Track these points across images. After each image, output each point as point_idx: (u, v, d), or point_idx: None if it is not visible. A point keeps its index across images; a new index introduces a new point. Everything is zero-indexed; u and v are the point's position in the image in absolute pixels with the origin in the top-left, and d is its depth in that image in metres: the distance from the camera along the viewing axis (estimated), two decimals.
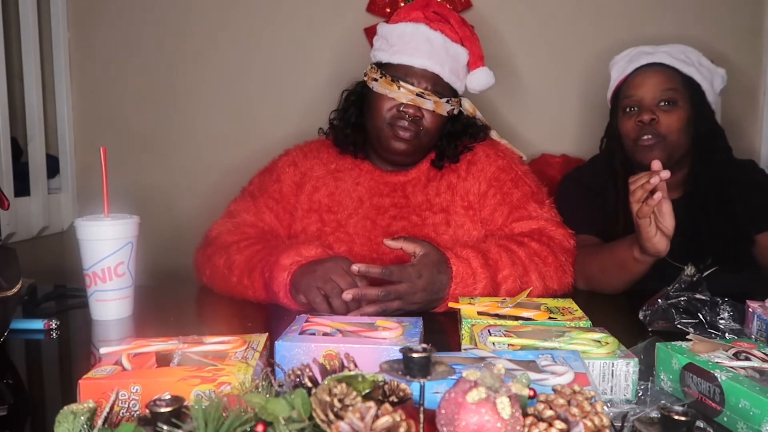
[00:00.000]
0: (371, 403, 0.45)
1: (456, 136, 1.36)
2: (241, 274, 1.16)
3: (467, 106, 1.39)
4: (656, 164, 1.07)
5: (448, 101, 1.30)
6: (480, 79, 1.34)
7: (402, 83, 1.27)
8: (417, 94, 1.26)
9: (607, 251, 1.23)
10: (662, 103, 1.33)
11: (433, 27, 1.29)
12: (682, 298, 0.96)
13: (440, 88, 1.29)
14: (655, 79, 1.35)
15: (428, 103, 1.27)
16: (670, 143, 1.33)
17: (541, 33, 1.86)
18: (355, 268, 1.02)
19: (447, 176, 1.34)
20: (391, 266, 1.04)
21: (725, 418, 0.63)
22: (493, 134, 1.43)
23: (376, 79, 1.30)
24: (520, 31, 1.86)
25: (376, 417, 0.44)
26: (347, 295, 1.00)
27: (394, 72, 1.29)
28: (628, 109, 1.38)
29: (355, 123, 1.37)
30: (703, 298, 0.95)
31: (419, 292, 1.03)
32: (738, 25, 1.81)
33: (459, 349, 0.75)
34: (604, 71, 1.53)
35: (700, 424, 0.56)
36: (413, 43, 1.28)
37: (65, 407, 0.54)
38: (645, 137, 1.33)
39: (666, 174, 1.05)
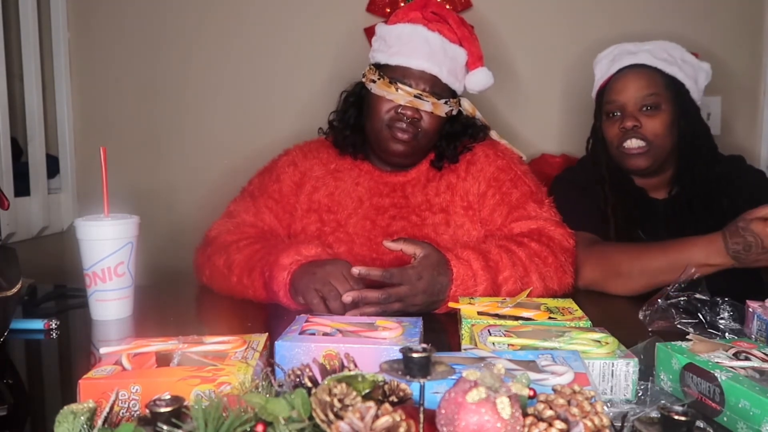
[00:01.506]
0: (371, 403, 0.45)
1: (455, 137, 1.35)
2: (241, 273, 1.16)
3: (466, 106, 1.39)
4: None
5: (446, 102, 1.29)
6: (479, 79, 1.33)
7: (400, 85, 1.26)
8: (415, 96, 1.25)
9: (671, 252, 1.18)
10: (645, 108, 1.34)
11: (431, 28, 1.28)
12: (682, 298, 0.96)
13: (438, 89, 1.28)
14: (637, 84, 1.35)
15: (426, 105, 1.26)
16: (655, 148, 1.34)
17: (541, 32, 1.86)
18: (355, 271, 1.02)
19: (446, 176, 1.34)
20: (391, 269, 1.03)
21: (725, 418, 0.63)
22: (493, 134, 1.43)
23: (374, 81, 1.29)
24: (521, 31, 1.86)
25: (376, 417, 0.44)
26: (347, 298, 1.00)
27: (392, 74, 1.28)
28: (611, 114, 1.38)
29: (354, 124, 1.37)
30: (703, 298, 0.95)
31: (420, 294, 1.03)
32: (738, 25, 1.81)
33: (459, 349, 0.75)
34: None
35: (700, 424, 0.56)
36: (411, 45, 1.27)
37: (65, 407, 0.54)
38: (631, 144, 1.34)
39: None
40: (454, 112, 1.34)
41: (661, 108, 1.34)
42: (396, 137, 1.28)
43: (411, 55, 1.26)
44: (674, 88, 1.36)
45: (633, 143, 1.34)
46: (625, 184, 1.41)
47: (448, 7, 1.82)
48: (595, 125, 1.45)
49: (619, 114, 1.37)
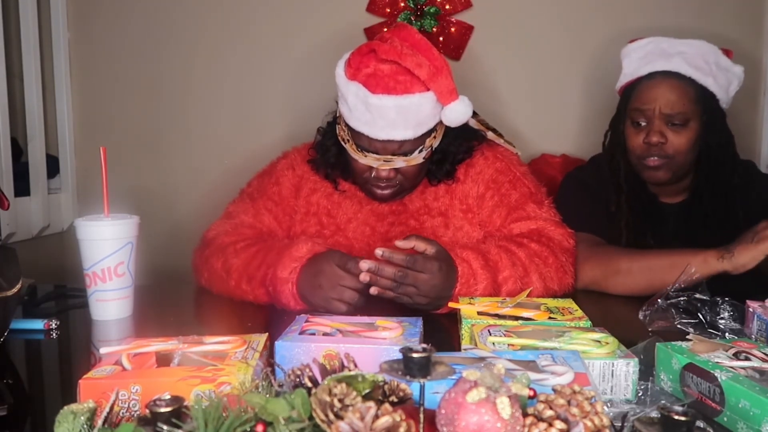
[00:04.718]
0: (371, 403, 0.45)
1: (445, 159, 1.30)
2: (240, 278, 1.16)
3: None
4: None
5: (420, 151, 1.22)
6: (454, 116, 1.19)
7: (366, 153, 1.21)
8: (384, 160, 1.20)
9: (672, 252, 1.19)
10: (672, 124, 1.29)
11: (388, 89, 1.14)
12: (682, 298, 0.96)
13: (408, 147, 1.20)
14: (668, 97, 1.29)
15: (398, 163, 1.21)
16: (676, 163, 1.31)
17: (542, 30, 1.86)
18: (378, 252, 1.02)
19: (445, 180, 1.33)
20: (415, 255, 1.03)
21: (725, 418, 0.63)
22: (489, 135, 1.42)
23: (345, 140, 1.24)
24: (520, 31, 1.86)
25: (376, 417, 0.44)
26: (363, 265, 1.00)
27: (357, 140, 1.21)
28: (636, 122, 1.33)
29: (335, 162, 1.32)
30: (703, 298, 0.95)
31: (437, 284, 1.03)
32: (738, 24, 1.81)
33: (459, 349, 0.75)
34: (606, 70, 1.52)
35: (700, 424, 0.56)
36: (368, 115, 1.16)
37: (65, 407, 0.54)
38: (651, 158, 1.31)
39: None
40: (436, 144, 1.25)
41: (688, 125, 1.29)
42: (376, 194, 1.27)
43: (372, 125, 1.16)
44: (704, 100, 1.30)
45: (654, 158, 1.31)
46: (638, 190, 1.38)
47: (447, 6, 1.84)
48: (617, 122, 1.39)
49: (644, 124, 1.32)
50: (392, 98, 1.14)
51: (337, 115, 1.29)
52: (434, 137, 1.24)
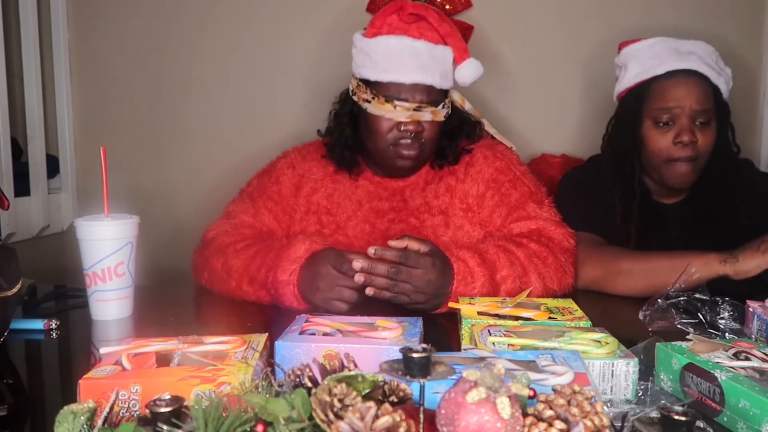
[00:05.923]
0: (371, 403, 0.45)
1: (453, 134, 1.34)
2: (240, 279, 1.16)
3: (456, 98, 1.38)
4: None
5: (443, 106, 1.28)
6: (469, 72, 1.28)
7: (396, 102, 1.23)
8: (414, 110, 1.23)
9: (674, 254, 1.18)
10: (699, 123, 1.27)
11: (414, 35, 1.24)
12: (682, 298, 0.96)
13: (434, 96, 1.26)
14: (694, 94, 1.27)
15: (426, 115, 1.24)
16: (700, 165, 1.30)
17: (542, 31, 1.85)
18: (371, 250, 1.02)
19: (445, 179, 1.34)
20: (408, 251, 1.03)
21: (725, 418, 0.63)
22: (485, 123, 1.42)
23: (368, 100, 1.26)
24: (520, 31, 1.86)
25: (376, 417, 0.44)
26: (356, 264, 1.01)
27: (386, 91, 1.24)
28: (660, 123, 1.29)
29: (352, 144, 1.34)
30: (703, 297, 0.95)
31: (433, 281, 1.03)
32: (738, 24, 1.81)
33: (459, 349, 0.75)
34: (606, 70, 1.51)
35: (700, 424, 0.56)
36: (399, 59, 1.22)
37: (65, 407, 0.54)
38: (681, 160, 1.28)
39: None
40: (450, 110, 1.32)
41: (711, 123, 1.28)
42: (402, 155, 1.26)
43: (402, 69, 1.22)
44: (717, 99, 1.30)
45: (684, 160, 1.28)
46: (640, 193, 1.37)
47: (447, 6, 1.84)
48: (631, 125, 1.35)
49: (671, 124, 1.29)
50: (424, 42, 1.23)
51: (351, 91, 1.32)
52: (449, 101, 1.30)
